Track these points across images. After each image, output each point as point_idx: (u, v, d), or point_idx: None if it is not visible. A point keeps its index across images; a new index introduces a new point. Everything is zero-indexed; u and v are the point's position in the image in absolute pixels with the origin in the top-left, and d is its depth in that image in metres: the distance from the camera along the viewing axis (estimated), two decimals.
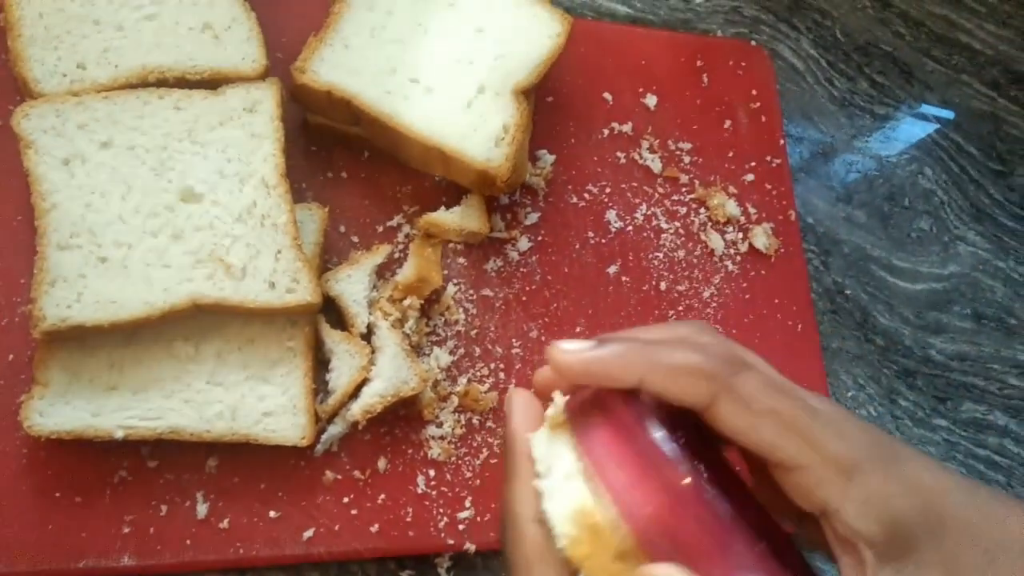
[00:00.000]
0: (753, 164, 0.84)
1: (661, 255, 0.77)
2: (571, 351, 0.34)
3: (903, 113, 0.98)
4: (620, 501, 0.32)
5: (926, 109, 1.00)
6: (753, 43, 0.91)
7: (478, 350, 0.68)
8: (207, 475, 0.59)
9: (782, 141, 0.86)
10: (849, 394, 0.83)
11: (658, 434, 0.32)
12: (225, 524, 0.58)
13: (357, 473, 0.61)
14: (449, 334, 0.68)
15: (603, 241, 0.76)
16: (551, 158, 0.77)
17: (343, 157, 0.71)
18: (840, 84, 0.96)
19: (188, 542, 0.57)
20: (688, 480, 0.31)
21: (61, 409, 0.55)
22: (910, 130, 0.98)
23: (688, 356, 0.33)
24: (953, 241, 0.94)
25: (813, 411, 0.33)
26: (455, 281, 0.70)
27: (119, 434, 0.55)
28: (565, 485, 0.33)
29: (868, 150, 0.95)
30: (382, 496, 0.61)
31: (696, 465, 0.32)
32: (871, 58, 0.99)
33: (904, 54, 1.01)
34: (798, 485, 0.33)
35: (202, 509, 0.58)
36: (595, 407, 0.35)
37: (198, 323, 0.59)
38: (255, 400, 0.59)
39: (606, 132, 0.80)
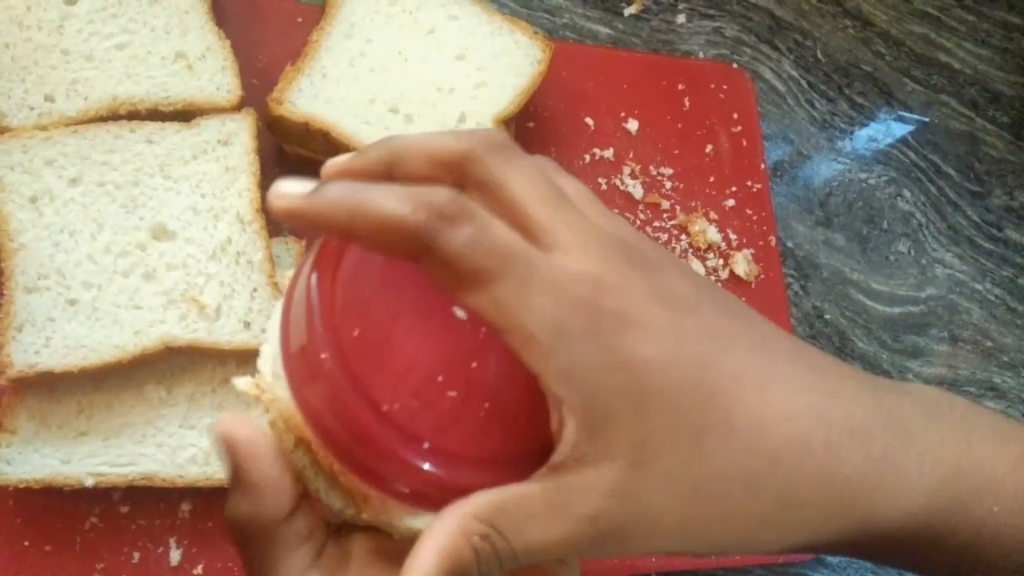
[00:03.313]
0: (734, 189, 0.83)
1: None
2: (285, 195, 0.29)
3: (882, 134, 0.99)
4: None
5: (906, 120, 1.00)
6: (735, 65, 0.90)
7: None
8: (180, 520, 0.58)
9: (763, 165, 0.86)
10: None
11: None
12: (199, 571, 0.57)
13: None
14: None
15: None
16: None
17: None
18: (820, 105, 0.96)
19: None
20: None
21: (29, 457, 0.54)
22: (889, 151, 0.98)
23: (393, 205, 0.27)
24: (931, 264, 0.95)
25: (528, 271, 0.28)
26: None
27: (89, 482, 0.54)
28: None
29: (848, 172, 0.95)
30: None
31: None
32: (851, 79, 0.99)
33: (884, 74, 1.01)
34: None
35: (175, 555, 0.57)
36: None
37: (170, 365, 0.57)
38: None
39: (588, 158, 0.80)
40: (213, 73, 0.63)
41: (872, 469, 0.31)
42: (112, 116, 0.60)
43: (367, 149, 0.31)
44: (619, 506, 0.28)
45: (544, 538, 0.28)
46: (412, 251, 0.28)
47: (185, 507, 0.58)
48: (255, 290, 0.58)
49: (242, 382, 0.32)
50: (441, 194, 0.28)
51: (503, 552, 0.28)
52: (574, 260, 0.28)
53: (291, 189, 0.29)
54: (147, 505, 0.57)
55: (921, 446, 0.33)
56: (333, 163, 0.32)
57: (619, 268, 0.29)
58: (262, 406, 0.31)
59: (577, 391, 0.28)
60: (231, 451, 0.30)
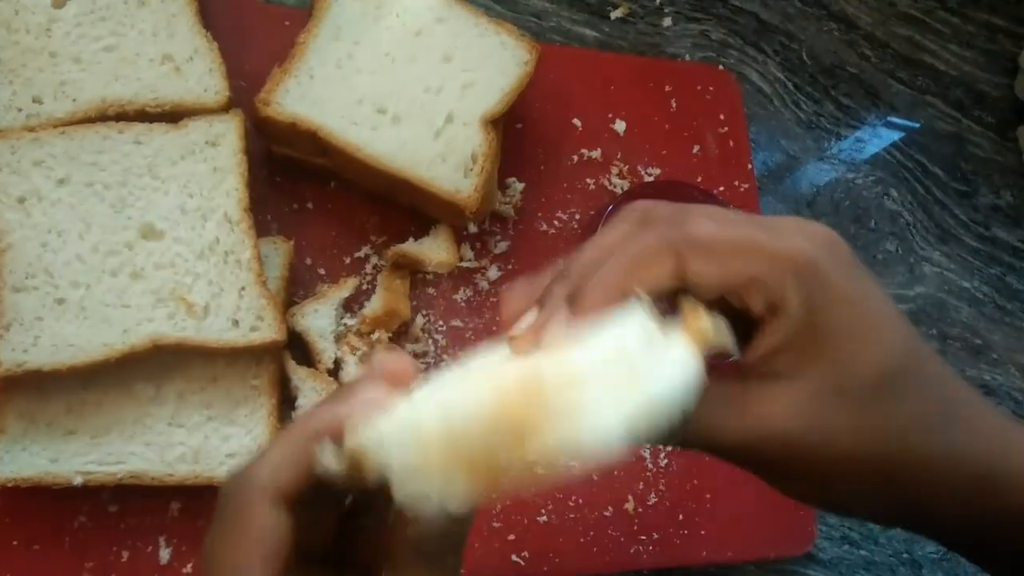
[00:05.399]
0: (721, 189, 0.84)
1: None
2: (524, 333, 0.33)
3: (869, 135, 0.99)
4: None
5: (892, 121, 1.01)
6: (721, 67, 0.91)
7: None
8: (170, 519, 0.58)
9: (750, 166, 0.86)
10: None
11: None
12: (188, 569, 0.57)
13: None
14: (419, 367, 0.67)
15: None
16: (520, 186, 0.76)
17: (309, 188, 0.70)
18: (807, 107, 0.97)
19: None
20: None
21: (18, 456, 0.54)
22: (876, 151, 0.99)
23: (633, 246, 0.33)
24: (919, 262, 0.95)
25: (765, 224, 0.33)
26: (424, 312, 0.69)
27: (78, 480, 0.54)
28: None
29: (834, 172, 0.96)
30: None
31: None
32: (837, 80, 1.00)
33: (869, 76, 1.02)
34: (752, 297, 0.33)
35: (165, 554, 0.57)
36: None
37: (159, 363, 0.58)
38: (219, 441, 0.57)
39: (575, 158, 0.80)
40: (201, 75, 0.63)
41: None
42: (100, 117, 0.60)
43: (551, 295, 0.35)
44: (807, 421, 0.33)
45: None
46: (671, 262, 0.33)
47: (175, 505, 0.58)
48: (243, 289, 0.59)
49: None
50: (661, 207, 0.35)
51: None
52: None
53: (555, 322, 0.33)
54: (136, 504, 0.57)
55: None
56: (525, 329, 0.34)
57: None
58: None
59: (810, 307, 0.32)
60: None
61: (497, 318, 0.31)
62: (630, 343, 0.31)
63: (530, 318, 0.35)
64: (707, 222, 0.33)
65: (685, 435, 0.33)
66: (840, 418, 0.32)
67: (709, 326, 0.33)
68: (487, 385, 0.30)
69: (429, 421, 0.30)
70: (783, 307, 0.32)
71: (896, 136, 1.01)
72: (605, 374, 0.30)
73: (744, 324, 0.34)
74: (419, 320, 0.68)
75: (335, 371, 0.63)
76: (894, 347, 0.33)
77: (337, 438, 0.32)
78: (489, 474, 0.30)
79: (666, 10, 0.92)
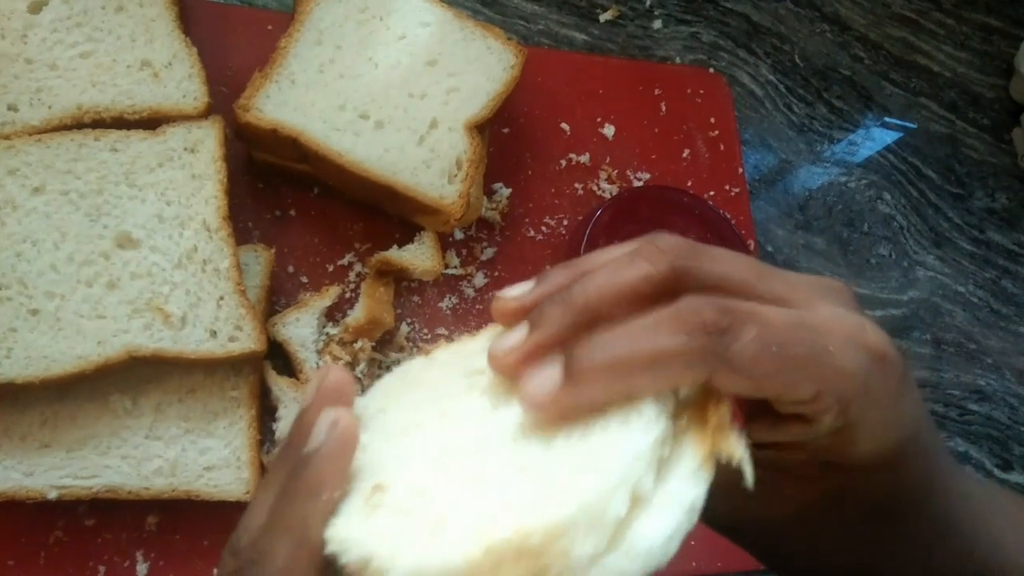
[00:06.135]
0: (712, 193, 0.83)
1: None
2: (542, 394, 0.29)
3: (862, 137, 0.98)
4: None
5: (886, 123, 1.00)
6: (711, 70, 0.90)
7: None
8: (147, 533, 0.57)
9: (740, 169, 0.85)
10: None
11: None
12: None
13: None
14: None
15: None
16: (507, 191, 0.75)
17: (292, 194, 0.69)
18: (799, 109, 0.96)
19: None
20: None
21: None
22: (869, 154, 0.98)
23: (667, 342, 0.27)
24: (912, 266, 0.94)
25: (817, 337, 0.29)
26: (409, 320, 0.68)
27: (52, 495, 0.53)
28: None
29: (827, 175, 0.95)
30: None
31: None
32: (830, 82, 0.99)
33: (862, 78, 1.01)
34: (804, 408, 0.30)
35: (142, 569, 0.56)
36: None
37: (136, 375, 0.57)
38: (196, 454, 0.56)
39: (563, 163, 0.79)
40: (180, 80, 0.62)
41: None
42: (77, 125, 0.59)
43: (545, 320, 0.30)
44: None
45: None
46: (702, 375, 0.28)
47: (152, 520, 0.57)
48: (222, 298, 0.58)
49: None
50: (702, 310, 0.28)
51: None
52: (829, 308, 0.30)
53: (543, 386, 0.29)
54: (113, 518, 0.56)
55: None
56: (509, 351, 0.30)
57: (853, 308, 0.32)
58: None
59: (870, 443, 0.31)
60: None
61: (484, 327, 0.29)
62: (636, 465, 0.26)
63: (517, 336, 0.31)
64: (755, 336, 0.28)
65: None
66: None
67: (736, 448, 0.28)
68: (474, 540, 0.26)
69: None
70: (816, 420, 0.30)
71: (890, 139, 1.00)
72: (602, 512, 0.26)
73: None
74: (404, 328, 0.67)
75: None
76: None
77: None
78: None
79: (656, 12, 0.91)
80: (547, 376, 0.29)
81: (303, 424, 0.31)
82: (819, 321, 0.29)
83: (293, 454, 0.30)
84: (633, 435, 0.27)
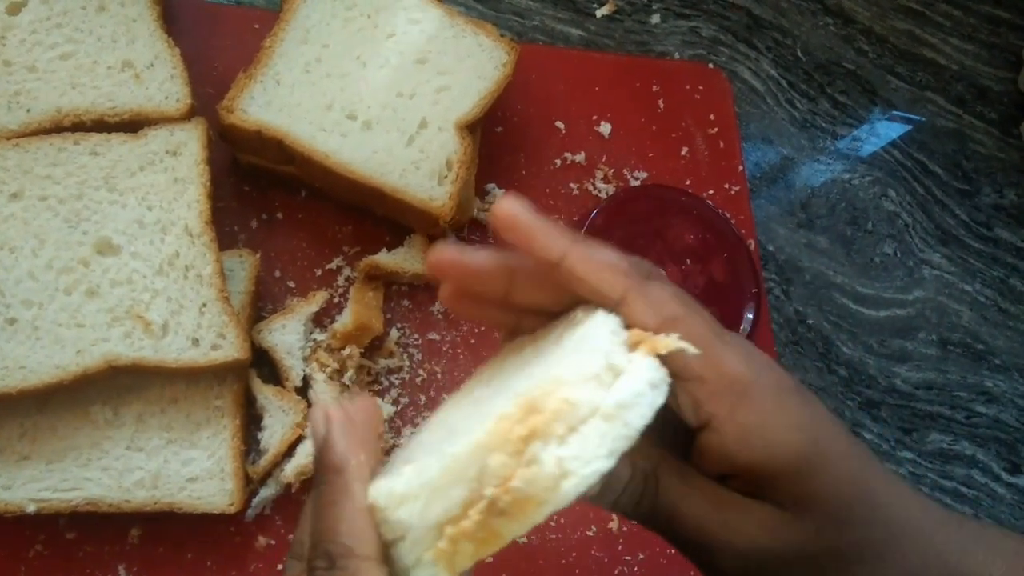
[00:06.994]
0: (711, 192, 0.81)
1: None
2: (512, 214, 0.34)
3: (866, 133, 0.96)
4: None
5: (891, 118, 0.98)
6: (711, 65, 0.88)
7: (423, 398, 0.65)
8: (130, 546, 0.56)
9: (741, 167, 0.83)
10: None
11: None
12: None
13: (292, 537, 0.58)
14: (393, 382, 0.65)
15: None
16: (500, 192, 0.74)
17: (278, 197, 0.67)
18: (801, 105, 0.94)
19: None
20: None
21: None
22: (873, 150, 0.96)
23: (608, 253, 0.34)
24: (918, 265, 0.92)
25: (719, 331, 0.34)
26: (399, 325, 0.67)
27: (31, 508, 0.52)
28: None
29: (830, 173, 0.93)
30: None
31: None
32: (833, 77, 0.97)
33: (867, 72, 0.99)
34: (690, 395, 0.34)
35: None
36: None
37: (117, 384, 0.55)
38: (179, 465, 0.55)
39: (558, 162, 0.77)
40: (162, 82, 0.61)
41: None
42: (56, 128, 0.58)
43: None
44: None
45: None
46: (618, 290, 0.33)
47: (135, 532, 0.56)
48: (204, 305, 0.56)
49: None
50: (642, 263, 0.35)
51: None
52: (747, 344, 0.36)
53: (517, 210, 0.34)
54: (95, 531, 0.55)
55: None
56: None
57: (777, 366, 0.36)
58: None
59: (752, 448, 0.34)
60: None
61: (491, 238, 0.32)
62: (609, 349, 0.31)
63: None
64: (668, 289, 0.34)
65: (654, 505, 0.35)
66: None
67: (668, 340, 0.31)
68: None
69: (431, 464, 0.29)
70: (712, 424, 0.34)
71: (895, 134, 0.98)
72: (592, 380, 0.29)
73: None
74: (393, 334, 0.66)
75: (303, 389, 0.61)
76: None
77: None
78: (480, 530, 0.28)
79: (654, 7, 0.89)
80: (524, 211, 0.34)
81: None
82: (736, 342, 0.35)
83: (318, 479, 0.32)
84: (600, 322, 0.32)
